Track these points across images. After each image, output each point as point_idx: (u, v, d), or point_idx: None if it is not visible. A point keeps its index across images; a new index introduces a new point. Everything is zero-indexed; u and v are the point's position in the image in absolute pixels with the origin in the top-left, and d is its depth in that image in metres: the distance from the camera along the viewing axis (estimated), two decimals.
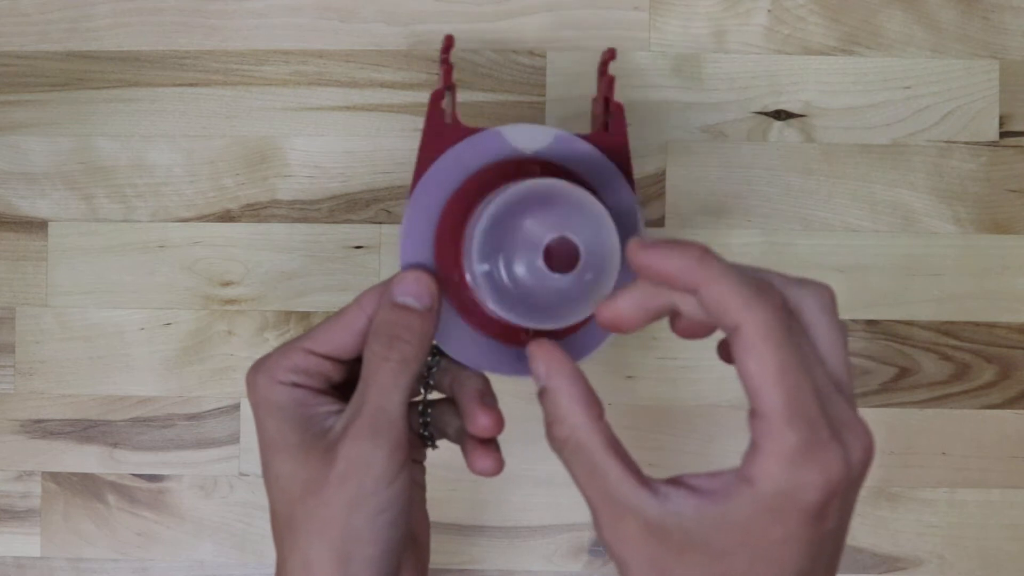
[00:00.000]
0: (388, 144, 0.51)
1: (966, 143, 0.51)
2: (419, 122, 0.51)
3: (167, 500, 0.52)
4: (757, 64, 0.51)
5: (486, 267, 0.32)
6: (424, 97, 0.51)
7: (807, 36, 0.51)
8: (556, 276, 0.31)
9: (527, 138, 0.36)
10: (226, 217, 0.51)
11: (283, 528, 0.33)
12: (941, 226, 0.51)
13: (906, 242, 0.51)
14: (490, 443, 0.36)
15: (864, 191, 0.50)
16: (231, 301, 0.51)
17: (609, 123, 0.38)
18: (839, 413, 0.28)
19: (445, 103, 0.37)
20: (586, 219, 0.32)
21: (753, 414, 0.28)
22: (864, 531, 0.51)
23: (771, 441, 0.27)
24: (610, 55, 0.39)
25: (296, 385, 0.33)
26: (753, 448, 0.28)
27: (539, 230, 0.31)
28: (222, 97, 0.51)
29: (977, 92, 0.51)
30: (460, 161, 0.35)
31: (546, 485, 0.51)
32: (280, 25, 0.51)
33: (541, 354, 0.31)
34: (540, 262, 0.31)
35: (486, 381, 0.37)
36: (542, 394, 0.32)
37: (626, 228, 0.35)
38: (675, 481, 0.30)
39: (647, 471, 0.51)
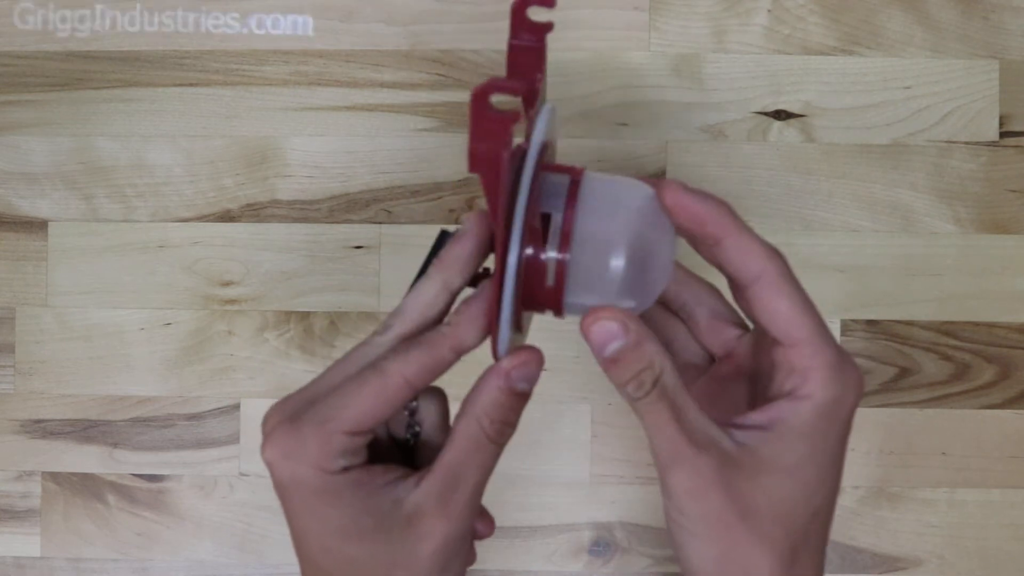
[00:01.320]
0: (388, 144, 0.51)
1: (966, 143, 0.51)
2: (419, 122, 0.51)
3: (167, 500, 0.52)
4: (757, 64, 0.51)
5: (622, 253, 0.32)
6: (424, 97, 0.51)
7: (807, 36, 0.51)
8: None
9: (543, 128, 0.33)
10: (226, 217, 0.51)
11: None
12: (941, 226, 0.51)
13: (906, 242, 0.51)
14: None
15: (864, 191, 0.50)
16: (231, 301, 0.51)
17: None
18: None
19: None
20: None
21: (789, 345, 0.32)
22: (864, 531, 0.51)
23: (817, 359, 0.32)
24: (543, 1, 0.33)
25: (347, 469, 0.32)
26: (801, 371, 0.32)
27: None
28: (222, 97, 0.51)
29: (977, 92, 0.51)
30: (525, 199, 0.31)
31: (546, 485, 0.51)
32: None
33: (612, 314, 0.31)
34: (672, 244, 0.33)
35: None
36: (627, 351, 0.31)
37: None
38: (731, 424, 0.32)
39: (647, 471, 0.51)
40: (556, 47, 0.51)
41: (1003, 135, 0.51)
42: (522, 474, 0.51)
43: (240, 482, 0.51)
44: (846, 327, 0.50)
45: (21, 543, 0.52)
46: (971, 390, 0.51)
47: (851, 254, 0.50)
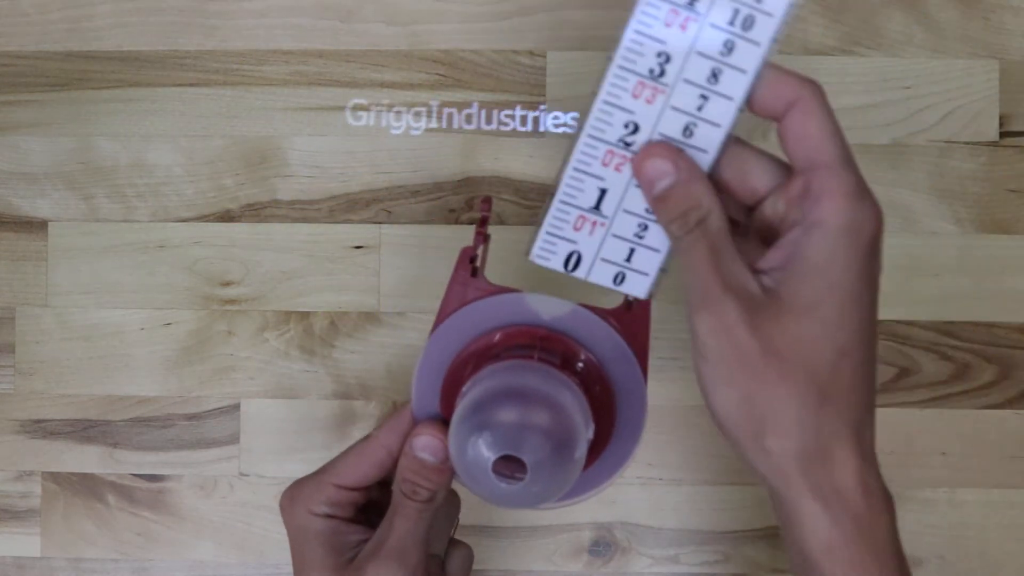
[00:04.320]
0: (388, 144, 0.51)
1: (966, 143, 0.51)
2: (419, 123, 0.51)
3: (167, 500, 0.52)
4: None
5: (456, 448, 0.34)
6: (424, 97, 0.51)
7: (807, 36, 0.51)
8: (501, 485, 0.33)
9: (546, 307, 0.37)
10: (226, 217, 0.51)
11: None
12: (941, 226, 0.51)
13: (906, 242, 0.51)
14: None
15: None
16: (231, 301, 0.51)
17: (634, 304, 0.38)
18: None
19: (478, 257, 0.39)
20: (547, 435, 0.33)
21: (807, 169, 0.32)
22: None
23: (834, 183, 0.31)
24: None
25: (329, 516, 0.38)
26: (814, 196, 0.31)
27: (491, 444, 0.33)
28: (222, 97, 0.51)
29: (977, 92, 0.51)
30: (479, 317, 0.37)
31: None
32: (280, 25, 0.51)
33: (663, 152, 0.33)
34: (489, 471, 0.33)
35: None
36: (672, 189, 0.33)
37: (630, 405, 0.37)
38: (756, 269, 0.33)
39: (647, 471, 0.51)
40: (556, 47, 0.51)
41: (1003, 135, 0.51)
42: None
43: (240, 482, 0.51)
44: None
45: (21, 543, 0.52)
46: (971, 390, 0.51)
47: None
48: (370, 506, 0.40)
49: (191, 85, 0.51)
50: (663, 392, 0.51)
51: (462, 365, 0.37)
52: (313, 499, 0.38)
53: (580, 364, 0.37)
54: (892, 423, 0.51)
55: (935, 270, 0.50)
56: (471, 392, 0.35)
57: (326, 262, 0.51)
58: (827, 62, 0.51)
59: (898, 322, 0.51)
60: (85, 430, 0.52)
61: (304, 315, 0.51)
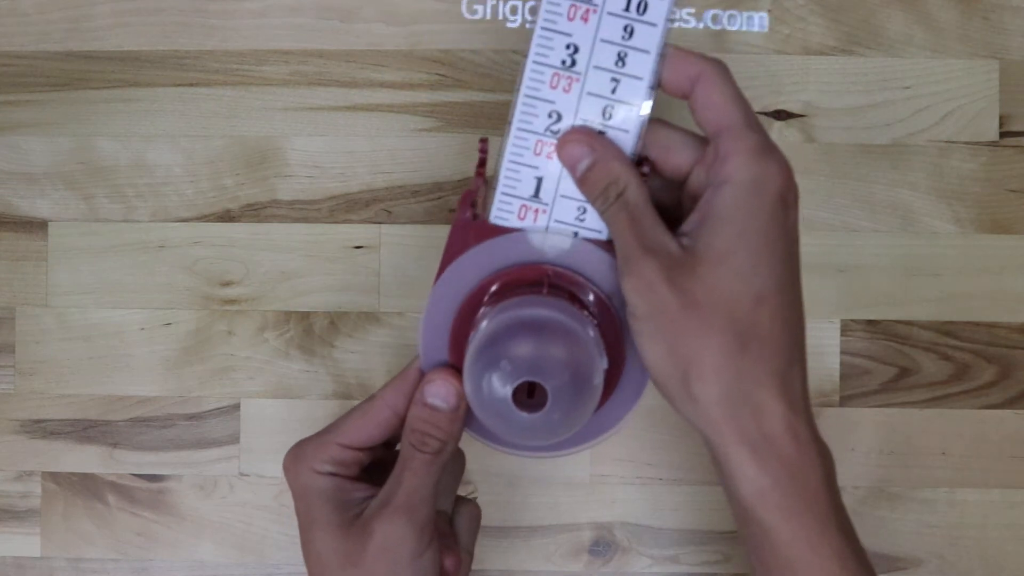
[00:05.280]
0: (388, 144, 0.51)
1: (966, 143, 0.51)
2: (419, 122, 0.51)
3: (167, 500, 0.52)
4: (757, 64, 0.51)
5: (472, 384, 0.34)
6: (424, 97, 0.51)
7: (807, 36, 0.51)
8: (522, 414, 0.33)
9: (550, 243, 0.37)
10: (226, 217, 0.51)
11: None
12: (941, 226, 0.51)
13: (906, 242, 0.51)
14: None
15: (864, 191, 0.51)
16: (231, 301, 0.51)
17: None
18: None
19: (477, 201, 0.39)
20: (565, 362, 0.33)
21: (715, 135, 0.34)
22: (864, 531, 0.51)
23: (738, 143, 0.33)
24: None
25: (333, 475, 0.37)
26: (721, 157, 0.34)
27: (509, 372, 0.33)
28: (222, 97, 0.51)
29: (977, 92, 0.51)
30: (483, 259, 0.37)
31: (546, 485, 0.51)
32: (280, 25, 0.51)
33: (580, 136, 0.35)
34: (509, 401, 0.33)
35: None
36: (591, 169, 0.35)
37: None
38: (680, 233, 0.34)
39: (647, 471, 0.51)
40: None
41: (1003, 135, 0.51)
42: (522, 474, 0.51)
43: (240, 482, 0.51)
44: (846, 327, 0.51)
45: (21, 543, 0.52)
46: (971, 390, 0.51)
47: (851, 254, 0.51)
48: (374, 466, 0.39)
49: (191, 85, 0.51)
50: None
51: (470, 311, 0.37)
52: (316, 458, 0.37)
53: (588, 298, 0.37)
54: (892, 423, 0.51)
55: (935, 270, 0.50)
56: (484, 328, 0.34)
57: (326, 262, 0.51)
58: (827, 62, 0.51)
59: (898, 322, 0.51)
60: (85, 430, 0.52)
61: (304, 315, 0.51)
